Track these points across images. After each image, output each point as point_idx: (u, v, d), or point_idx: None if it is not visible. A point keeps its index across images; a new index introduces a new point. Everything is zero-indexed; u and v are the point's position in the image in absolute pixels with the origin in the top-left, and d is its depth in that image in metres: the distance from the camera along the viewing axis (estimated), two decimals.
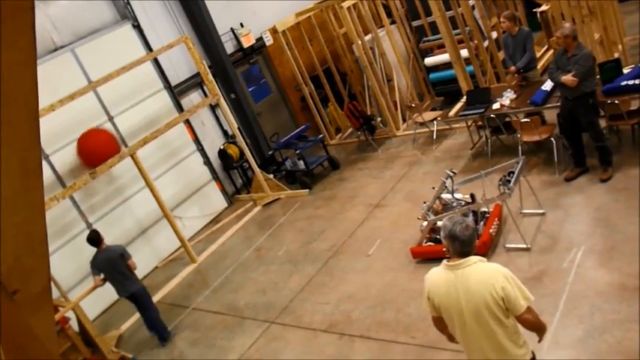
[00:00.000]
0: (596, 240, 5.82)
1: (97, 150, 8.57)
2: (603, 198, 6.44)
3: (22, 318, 1.79)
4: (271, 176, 10.83)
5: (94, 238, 6.98)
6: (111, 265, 6.96)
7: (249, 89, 12.16)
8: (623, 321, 4.67)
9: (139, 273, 9.49)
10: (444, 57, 10.69)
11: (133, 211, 9.74)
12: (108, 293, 8.95)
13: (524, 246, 6.05)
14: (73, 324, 7.44)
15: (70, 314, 7.29)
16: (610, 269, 5.32)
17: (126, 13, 10.05)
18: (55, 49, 9.10)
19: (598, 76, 6.93)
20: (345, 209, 8.90)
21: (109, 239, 9.25)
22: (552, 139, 7.41)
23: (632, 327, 4.55)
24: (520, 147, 7.77)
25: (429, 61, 11.44)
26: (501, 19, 8.32)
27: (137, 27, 10.12)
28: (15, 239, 1.64)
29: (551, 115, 8.04)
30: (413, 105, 10.43)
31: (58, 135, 8.87)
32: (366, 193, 9.14)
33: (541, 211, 6.56)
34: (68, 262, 8.74)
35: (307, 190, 10.17)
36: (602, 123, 7.05)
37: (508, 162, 6.68)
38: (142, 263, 9.64)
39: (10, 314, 1.73)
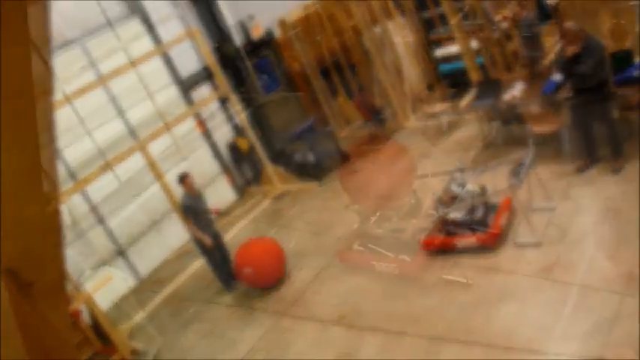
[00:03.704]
0: (606, 231, 5.80)
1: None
2: (613, 189, 6.41)
3: (39, 308, 1.82)
4: (281, 169, 10.84)
5: (179, 177, 7.76)
6: None
7: (259, 82, 12.14)
8: (633, 312, 4.66)
9: (150, 266, 9.64)
10: (453, 48, 10.63)
11: (143, 204, 9.80)
12: (120, 286, 9.06)
13: (535, 240, 6.03)
14: (85, 317, 7.52)
15: (82, 307, 7.36)
16: (620, 260, 5.30)
17: (135, 8, 10.07)
18: (65, 44, 9.13)
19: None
20: None
21: (120, 232, 9.39)
22: (563, 129, 7.36)
23: None
24: (530, 138, 7.72)
25: (438, 52, 11.37)
26: None
27: (146, 21, 10.13)
28: (30, 231, 1.66)
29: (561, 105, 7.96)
30: (423, 96, 10.39)
31: (69, 130, 8.92)
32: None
33: (551, 205, 6.52)
34: (80, 255, 8.80)
35: (317, 182, 10.18)
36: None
37: (518, 153, 6.65)
38: (153, 256, 9.74)
39: (27, 305, 1.76)
